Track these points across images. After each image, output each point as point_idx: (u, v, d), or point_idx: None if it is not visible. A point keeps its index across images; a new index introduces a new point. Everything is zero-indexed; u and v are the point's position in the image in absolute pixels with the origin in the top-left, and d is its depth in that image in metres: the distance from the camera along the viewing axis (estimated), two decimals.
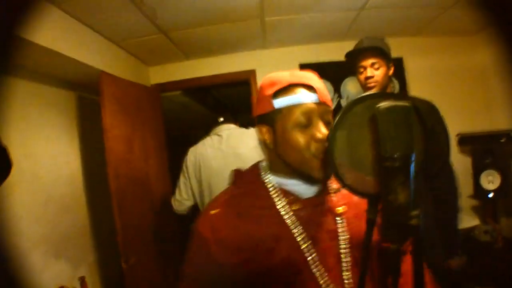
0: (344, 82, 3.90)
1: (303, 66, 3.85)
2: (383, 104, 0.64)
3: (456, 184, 2.35)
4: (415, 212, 0.65)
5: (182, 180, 3.00)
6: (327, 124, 1.06)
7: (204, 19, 3.06)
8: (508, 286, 2.73)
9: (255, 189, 1.15)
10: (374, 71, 2.27)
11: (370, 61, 2.27)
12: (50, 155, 2.86)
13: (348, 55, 2.42)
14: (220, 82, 4.18)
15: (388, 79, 2.33)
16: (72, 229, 3.01)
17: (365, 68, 2.30)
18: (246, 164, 1.72)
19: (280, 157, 1.13)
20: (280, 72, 1.15)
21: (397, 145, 0.64)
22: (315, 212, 1.10)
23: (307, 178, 1.10)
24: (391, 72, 2.34)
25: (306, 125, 1.05)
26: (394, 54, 2.42)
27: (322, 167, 1.05)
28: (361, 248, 1.07)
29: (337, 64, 3.82)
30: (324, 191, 1.15)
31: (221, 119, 3.09)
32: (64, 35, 2.48)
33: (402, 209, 0.66)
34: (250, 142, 2.80)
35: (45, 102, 2.88)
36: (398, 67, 3.35)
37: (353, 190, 0.78)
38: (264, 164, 1.23)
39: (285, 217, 1.07)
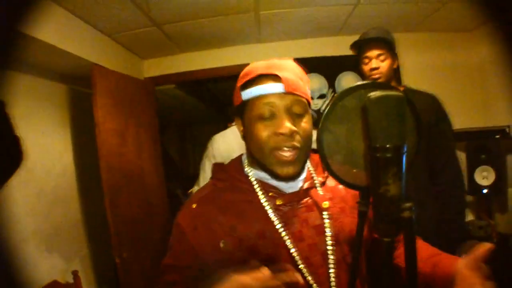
0: (338, 77, 3.88)
1: (297, 61, 3.78)
2: (375, 94, 0.63)
3: (461, 179, 2.29)
4: (407, 204, 0.64)
5: (208, 168, 2.70)
6: (295, 116, 1.04)
7: (198, 12, 3.03)
8: (502, 281, 2.72)
9: (239, 183, 1.12)
10: (380, 63, 2.24)
11: (376, 52, 2.24)
12: (42, 148, 2.84)
13: (354, 45, 2.38)
14: (215, 76, 4.16)
15: (393, 72, 2.31)
16: (65, 223, 2.99)
17: (370, 59, 2.26)
18: None
19: (249, 150, 1.12)
20: (259, 62, 1.12)
21: (389, 135, 0.62)
22: (301, 207, 1.08)
23: (272, 174, 1.07)
24: (396, 65, 2.31)
25: (269, 117, 1.03)
26: None
27: (286, 164, 1.03)
28: (351, 242, 1.06)
29: (332, 59, 3.83)
30: (308, 185, 1.12)
31: None
32: (56, 27, 2.45)
33: (394, 201, 0.64)
34: None
35: (36, 94, 2.85)
36: None
37: (344, 182, 0.76)
38: (244, 157, 1.21)
39: (270, 212, 1.05)
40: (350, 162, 0.74)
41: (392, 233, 0.67)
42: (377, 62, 2.23)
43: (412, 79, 3.82)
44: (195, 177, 2.86)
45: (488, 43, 3.83)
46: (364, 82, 0.72)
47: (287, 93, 1.02)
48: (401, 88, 2.33)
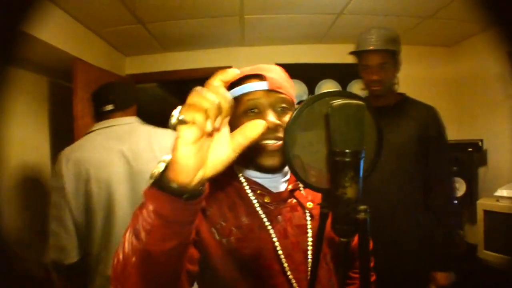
0: (319, 84, 3.94)
1: (279, 66, 3.82)
2: (337, 101, 0.67)
3: (455, 194, 2.21)
4: (363, 207, 0.68)
5: (55, 210, 1.84)
6: (279, 111, 1.08)
7: (183, 12, 3.06)
8: None
9: (227, 179, 1.15)
10: (382, 73, 2.05)
11: (377, 61, 2.04)
12: (17, 139, 2.81)
13: (354, 54, 2.18)
14: (197, 77, 4.17)
15: (394, 79, 2.16)
16: (39, 217, 2.96)
17: (370, 68, 2.07)
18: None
19: None
20: (246, 67, 1.16)
21: (348, 141, 0.66)
22: (286, 207, 1.12)
23: (260, 167, 1.11)
24: (398, 70, 2.17)
25: (254, 112, 1.07)
26: None
27: (271, 155, 1.07)
28: (330, 241, 1.10)
29: (313, 66, 3.89)
30: (293, 186, 1.16)
31: (110, 107, 2.03)
32: (37, 17, 2.43)
33: (351, 204, 0.68)
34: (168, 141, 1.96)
35: (15, 84, 2.82)
36: None
37: (307, 184, 0.80)
38: None
39: (258, 209, 1.08)
40: (313, 165, 0.78)
41: (349, 233, 0.71)
42: (378, 73, 2.05)
43: None
44: None
45: (465, 59, 3.95)
46: (330, 90, 0.76)
47: (271, 90, 1.07)
48: (400, 97, 2.23)
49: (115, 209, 1.82)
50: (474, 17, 3.17)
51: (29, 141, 2.96)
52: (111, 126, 1.97)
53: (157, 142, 1.94)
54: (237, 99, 1.10)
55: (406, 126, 2.09)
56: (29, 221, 2.82)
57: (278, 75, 1.11)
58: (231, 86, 1.13)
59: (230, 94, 1.11)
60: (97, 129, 1.99)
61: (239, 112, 1.09)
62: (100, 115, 2.04)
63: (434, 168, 2.08)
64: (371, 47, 2.05)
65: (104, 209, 1.82)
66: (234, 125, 1.10)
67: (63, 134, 3.28)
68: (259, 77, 1.09)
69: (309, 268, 1.06)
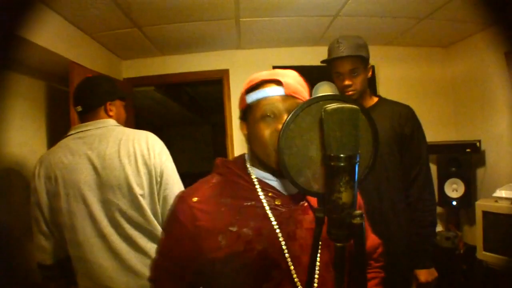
0: (315, 87, 3.92)
1: (276, 69, 3.80)
2: (331, 106, 0.67)
3: (432, 191, 2.23)
4: (358, 212, 0.67)
5: (32, 211, 1.92)
6: None
7: (179, 16, 3.06)
8: None
9: (241, 180, 1.16)
10: (353, 79, 2.12)
11: (348, 68, 2.11)
12: (15, 144, 2.80)
13: (326, 62, 2.26)
14: (194, 80, 4.18)
15: (366, 83, 2.20)
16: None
17: (342, 74, 2.14)
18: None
19: (252, 150, 1.17)
20: (263, 71, 1.19)
21: (342, 145, 0.66)
22: (296, 209, 1.12)
23: (274, 172, 1.12)
24: (369, 74, 2.22)
25: (271, 117, 1.08)
26: None
27: None
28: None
29: (310, 69, 3.87)
30: None
31: (79, 108, 2.01)
32: (33, 22, 2.43)
33: (346, 208, 0.67)
34: (155, 145, 1.93)
35: (12, 89, 2.81)
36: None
37: (302, 188, 0.80)
38: (247, 157, 1.25)
39: (268, 211, 1.09)
40: (309, 170, 0.78)
41: (344, 238, 0.71)
42: (350, 79, 2.12)
43: (387, 91, 3.91)
44: None
45: (462, 59, 3.95)
46: (324, 94, 0.76)
47: (287, 95, 1.08)
48: (376, 99, 2.30)
49: (85, 214, 1.80)
50: (470, 18, 3.19)
51: (27, 145, 2.95)
52: (84, 131, 1.96)
53: (125, 148, 1.86)
54: (254, 104, 1.12)
55: (382, 127, 2.11)
56: (26, 223, 2.81)
57: (294, 80, 1.14)
58: (249, 90, 1.15)
59: (248, 99, 1.11)
60: (71, 134, 2.00)
61: (256, 117, 1.10)
62: (79, 117, 2.06)
63: (409, 166, 2.16)
64: (341, 55, 2.12)
65: (73, 213, 1.80)
66: (252, 129, 1.13)
67: (61, 137, 3.27)
68: (276, 82, 1.11)
69: (317, 271, 1.07)
